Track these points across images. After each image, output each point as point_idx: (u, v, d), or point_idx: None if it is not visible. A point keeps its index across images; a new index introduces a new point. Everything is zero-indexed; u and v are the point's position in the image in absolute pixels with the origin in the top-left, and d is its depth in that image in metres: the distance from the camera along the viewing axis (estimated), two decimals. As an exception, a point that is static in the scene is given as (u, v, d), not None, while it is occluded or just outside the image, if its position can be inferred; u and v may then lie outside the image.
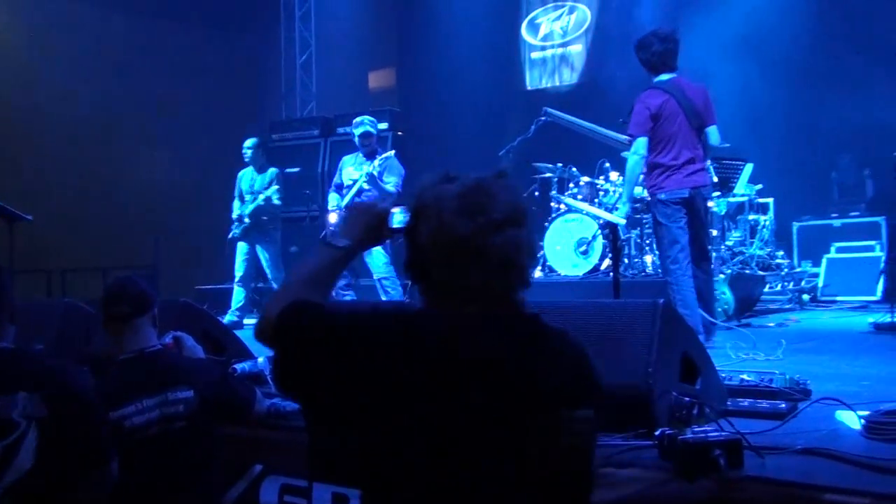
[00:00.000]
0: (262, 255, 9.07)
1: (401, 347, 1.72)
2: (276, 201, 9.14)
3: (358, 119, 8.20)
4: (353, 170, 8.01)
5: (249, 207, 9.04)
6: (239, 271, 9.12)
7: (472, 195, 1.74)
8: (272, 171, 9.32)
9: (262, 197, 8.99)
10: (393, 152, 7.97)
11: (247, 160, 9.32)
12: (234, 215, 9.16)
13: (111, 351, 3.27)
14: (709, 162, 8.95)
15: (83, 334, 4.61)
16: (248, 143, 9.34)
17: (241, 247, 9.13)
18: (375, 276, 7.74)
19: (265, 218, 9.13)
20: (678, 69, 6.20)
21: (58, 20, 11.38)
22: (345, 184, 8.03)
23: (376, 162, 7.73)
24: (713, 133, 6.25)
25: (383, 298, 7.56)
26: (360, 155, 8.05)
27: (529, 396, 1.69)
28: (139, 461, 3.04)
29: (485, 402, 1.67)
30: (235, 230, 9.11)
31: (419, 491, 1.69)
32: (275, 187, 9.09)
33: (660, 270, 8.64)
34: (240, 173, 9.42)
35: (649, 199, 6.24)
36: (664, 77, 6.13)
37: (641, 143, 5.99)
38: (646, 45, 6.14)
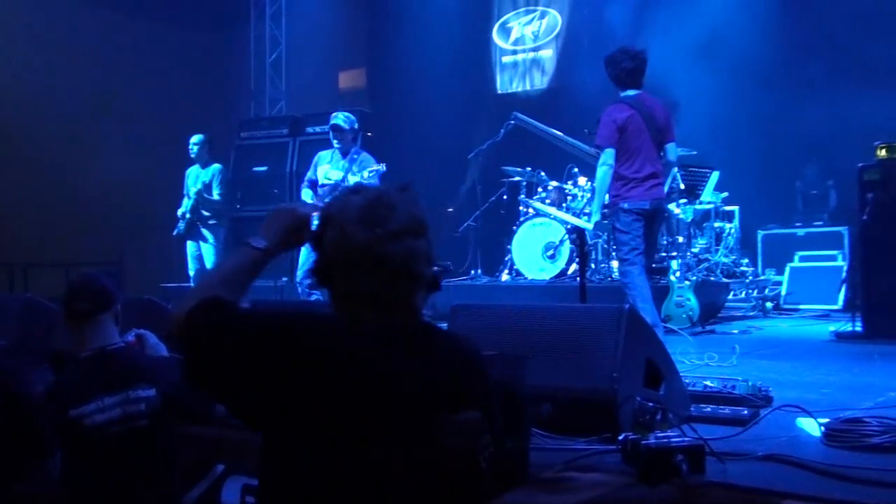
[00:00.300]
0: (204, 253, 9.02)
1: (300, 349, 1.78)
2: (215, 197, 9.07)
3: (334, 114, 8.09)
4: (329, 168, 7.87)
5: (188, 204, 8.98)
6: (191, 270, 9.10)
7: (373, 207, 1.85)
8: (214, 167, 9.24)
9: (193, 191, 8.91)
10: (380, 167, 7.73)
11: (193, 156, 9.22)
12: (179, 212, 9.09)
13: (72, 348, 3.23)
14: (676, 170, 9.07)
15: (44, 330, 4.55)
16: (194, 139, 9.24)
17: (190, 245, 9.11)
18: None
19: (207, 214, 9.05)
20: (643, 86, 6.47)
21: (24, 14, 11.23)
22: (320, 181, 7.89)
23: (366, 174, 7.58)
24: (672, 150, 6.53)
25: None
26: (337, 152, 7.91)
27: (413, 399, 1.77)
28: (100, 460, 3.00)
29: (373, 404, 1.75)
30: (179, 227, 9.04)
31: (311, 488, 1.76)
32: (215, 183, 9.08)
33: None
34: (187, 170, 9.34)
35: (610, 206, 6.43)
36: (630, 93, 6.35)
37: (610, 154, 6.19)
38: (615, 62, 6.37)
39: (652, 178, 6.27)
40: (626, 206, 6.20)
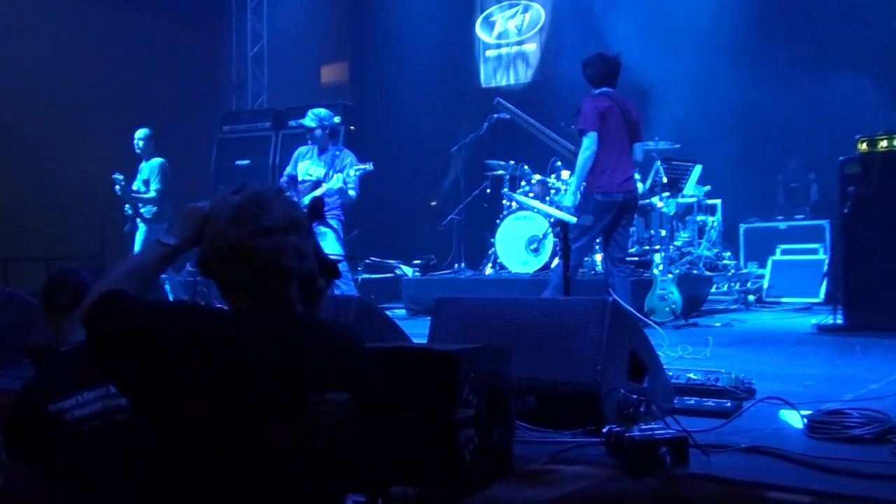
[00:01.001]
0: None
1: (182, 338, 1.94)
2: (151, 193, 9.02)
3: (308, 113, 7.98)
4: (309, 164, 7.80)
5: (130, 199, 8.92)
6: None
7: (246, 206, 2.03)
8: (154, 161, 9.18)
9: (117, 186, 8.85)
10: (366, 166, 7.64)
11: (138, 151, 9.15)
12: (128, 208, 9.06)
13: (52, 342, 3.20)
14: (658, 163, 9.11)
15: (25, 325, 4.51)
16: (139, 133, 9.18)
17: (138, 240, 9.06)
18: None
19: (154, 208, 9.04)
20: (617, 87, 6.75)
21: (2, 6, 11.12)
22: (300, 177, 7.80)
23: (352, 172, 7.48)
24: (639, 149, 6.86)
25: (335, 293, 7.47)
26: (316, 148, 7.85)
27: (281, 381, 1.93)
28: (81, 455, 2.97)
29: (243, 387, 1.91)
30: (129, 223, 9.00)
31: (194, 472, 1.92)
32: (153, 178, 9.06)
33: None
34: (140, 165, 9.30)
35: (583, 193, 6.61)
36: (606, 89, 6.64)
37: (594, 138, 6.41)
38: (591, 64, 6.74)
39: (627, 170, 6.60)
40: (599, 197, 6.51)
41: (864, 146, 6.88)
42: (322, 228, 7.57)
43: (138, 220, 8.98)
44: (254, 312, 2.02)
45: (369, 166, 7.52)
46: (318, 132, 7.75)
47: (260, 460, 1.90)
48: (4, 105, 10.84)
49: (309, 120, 7.75)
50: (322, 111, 7.93)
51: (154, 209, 9.08)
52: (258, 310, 2.02)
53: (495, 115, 9.12)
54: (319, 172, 7.65)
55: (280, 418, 1.92)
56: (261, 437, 1.90)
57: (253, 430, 1.90)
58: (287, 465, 1.92)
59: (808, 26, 10.26)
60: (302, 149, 7.98)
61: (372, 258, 10.77)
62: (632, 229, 9.23)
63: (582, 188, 6.76)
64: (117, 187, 8.85)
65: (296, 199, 7.60)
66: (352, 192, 7.56)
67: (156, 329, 1.95)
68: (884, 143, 6.79)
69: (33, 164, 11.12)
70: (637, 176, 9.60)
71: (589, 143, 6.41)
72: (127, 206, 8.98)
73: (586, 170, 6.50)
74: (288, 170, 7.95)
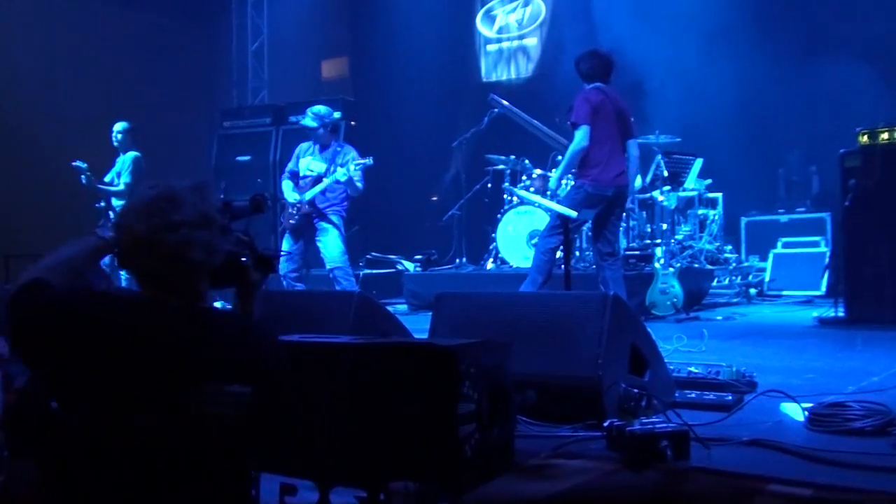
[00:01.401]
0: None
1: (87, 326, 2.03)
2: (120, 186, 8.99)
3: (310, 111, 7.84)
4: (311, 160, 7.76)
5: (97, 190, 8.89)
6: None
7: (156, 201, 2.11)
8: (129, 155, 9.15)
9: (83, 176, 8.79)
10: (366, 160, 7.63)
11: (115, 144, 9.12)
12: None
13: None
14: (659, 157, 9.11)
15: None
16: (118, 126, 9.14)
17: None
18: (328, 266, 7.63)
19: (123, 202, 8.97)
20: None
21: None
22: (302, 173, 7.77)
23: (352, 167, 7.46)
24: (633, 146, 6.85)
25: (336, 289, 7.47)
26: (317, 145, 7.81)
27: (177, 369, 1.99)
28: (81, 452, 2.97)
29: (140, 373, 1.98)
30: (103, 217, 8.94)
31: (90, 455, 2.01)
32: (125, 171, 9.06)
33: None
34: (117, 159, 9.27)
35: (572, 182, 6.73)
36: (599, 84, 6.67)
37: (586, 132, 6.43)
38: (585, 59, 6.76)
39: (619, 165, 6.62)
40: (590, 189, 6.52)
41: (864, 139, 6.87)
42: (323, 224, 7.57)
43: (111, 213, 8.91)
44: (157, 302, 2.09)
45: (369, 161, 7.50)
46: (321, 131, 7.73)
47: (151, 446, 1.97)
48: (3, 102, 10.83)
49: (309, 120, 7.71)
50: (321, 108, 7.88)
51: (123, 203, 9.03)
52: (164, 300, 2.09)
53: (495, 110, 9.11)
54: (320, 168, 7.63)
55: (173, 406, 1.97)
56: (152, 423, 1.96)
57: (139, 416, 1.97)
58: (178, 454, 1.99)
59: (809, 18, 10.24)
60: (303, 145, 7.95)
61: (373, 253, 10.77)
62: (633, 223, 9.26)
63: (574, 181, 6.77)
64: (83, 177, 8.81)
65: (299, 194, 7.60)
66: (359, 185, 7.54)
67: (61, 317, 2.05)
68: (885, 136, 6.78)
69: (33, 160, 11.10)
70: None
71: (581, 136, 6.42)
72: (101, 200, 8.93)
73: (574, 162, 6.56)
74: (290, 166, 7.92)
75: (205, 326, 2.09)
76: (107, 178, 9.12)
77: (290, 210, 7.66)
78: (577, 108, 6.50)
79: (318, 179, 7.60)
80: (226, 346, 2.07)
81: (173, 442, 1.98)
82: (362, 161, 7.48)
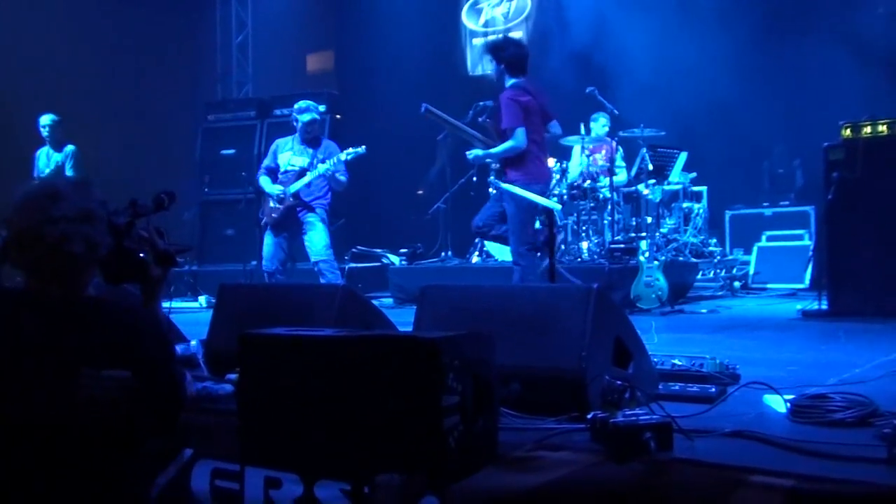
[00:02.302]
0: None
1: None
2: None
3: (303, 104, 7.84)
4: (291, 155, 7.75)
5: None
6: None
7: (39, 197, 2.24)
8: (68, 149, 9.09)
9: (47, 173, 8.75)
10: (359, 149, 7.67)
11: (45, 136, 9.04)
12: None
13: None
14: (644, 150, 9.14)
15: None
16: (46, 119, 9.05)
17: None
18: (313, 259, 7.62)
19: None
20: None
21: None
22: (282, 169, 7.75)
23: (342, 156, 7.49)
24: (555, 125, 6.95)
25: (321, 282, 7.46)
26: (298, 140, 7.80)
27: (57, 356, 2.12)
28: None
29: (21, 360, 2.12)
30: None
31: None
32: (68, 165, 9.01)
33: (595, 257, 8.77)
34: (37, 153, 9.14)
35: (503, 186, 6.62)
36: (521, 79, 6.66)
37: (524, 133, 6.45)
38: (507, 48, 6.71)
39: (546, 163, 6.87)
40: (537, 187, 6.57)
41: (847, 132, 6.91)
42: (309, 217, 7.57)
43: None
44: (36, 293, 2.23)
45: (362, 149, 7.54)
46: (317, 124, 7.77)
47: (34, 431, 2.09)
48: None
49: (314, 114, 7.71)
50: (310, 103, 7.91)
51: None
52: (44, 291, 2.23)
53: (481, 103, 9.09)
54: (303, 162, 7.63)
55: (53, 391, 2.10)
56: (34, 408, 2.10)
57: (26, 402, 2.10)
58: (62, 435, 2.11)
59: (794, 10, 10.28)
60: (280, 141, 7.93)
61: (358, 247, 10.76)
62: (618, 216, 9.29)
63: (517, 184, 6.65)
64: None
65: (282, 190, 7.56)
66: (341, 178, 7.56)
67: None
68: (867, 129, 6.82)
69: (21, 155, 11.00)
70: (622, 163, 9.67)
71: (521, 137, 6.44)
72: None
73: (504, 155, 6.57)
74: (266, 162, 7.86)
75: (82, 315, 2.23)
76: (36, 175, 8.93)
77: (272, 204, 7.63)
78: (510, 111, 6.47)
79: (301, 173, 7.60)
80: (102, 333, 2.20)
81: (60, 425, 2.11)
82: (355, 150, 7.50)
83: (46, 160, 8.95)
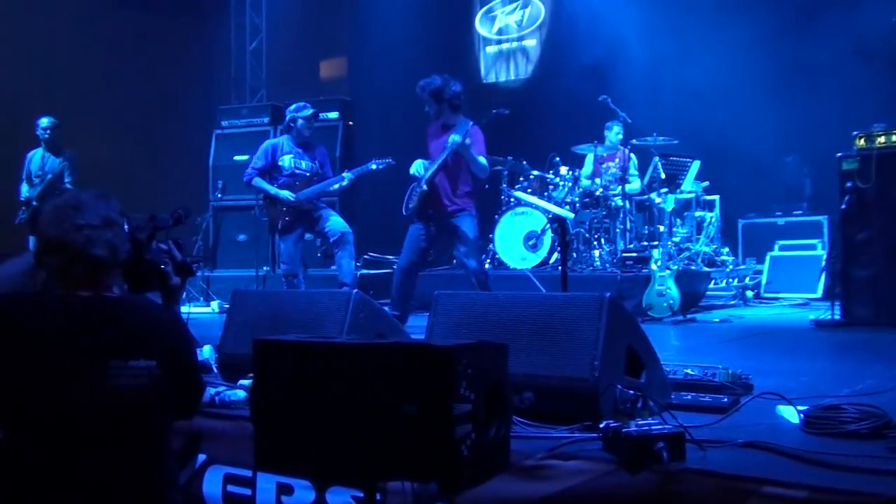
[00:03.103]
0: None
1: (14, 316, 2.38)
2: (68, 186, 8.91)
3: (301, 105, 7.87)
4: (293, 158, 7.67)
5: (38, 190, 8.75)
6: None
7: (63, 207, 2.47)
8: (67, 153, 9.07)
9: (38, 176, 8.73)
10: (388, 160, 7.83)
11: (45, 138, 8.99)
12: (23, 197, 8.81)
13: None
14: (657, 158, 9.14)
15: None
16: (46, 122, 9.00)
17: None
18: (343, 230, 7.57)
19: None
20: None
21: None
22: (287, 171, 7.66)
23: (373, 167, 7.73)
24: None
25: (346, 251, 7.53)
26: (291, 141, 7.73)
27: (87, 350, 2.34)
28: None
29: (55, 355, 2.32)
30: (22, 215, 8.77)
31: (23, 429, 2.32)
32: (67, 171, 9.01)
33: (607, 265, 8.76)
34: (29, 154, 9.08)
35: (462, 210, 6.82)
36: (461, 116, 6.94)
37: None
38: (446, 87, 6.96)
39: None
40: (474, 213, 6.86)
41: (861, 142, 6.89)
42: (322, 212, 7.66)
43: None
44: (65, 295, 2.43)
45: (391, 160, 7.64)
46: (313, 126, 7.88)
47: (69, 420, 2.30)
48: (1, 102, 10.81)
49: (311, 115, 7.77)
50: (307, 104, 7.96)
51: None
52: (73, 293, 2.43)
53: (493, 111, 9.10)
54: (306, 164, 7.71)
55: (85, 383, 2.31)
56: (68, 399, 2.30)
57: (60, 394, 2.30)
58: (95, 422, 2.32)
59: (806, 20, 10.25)
60: (277, 142, 7.90)
61: (370, 253, 10.77)
62: (630, 224, 9.28)
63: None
64: (30, 188, 8.67)
65: (292, 193, 7.55)
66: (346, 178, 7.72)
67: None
68: (881, 139, 6.80)
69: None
70: (635, 172, 9.65)
71: (487, 166, 6.85)
72: (32, 197, 8.74)
73: (481, 170, 6.85)
74: (260, 163, 7.74)
75: (108, 312, 2.43)
76: (35, 179, 8.90)
77: (282, 208, 7.62)
78: (482, 145, 6.91)
79: (312, 178, 7.65)
80: (127, 327, 2.42)
81: (93, 413, 2.31)
82: (386, 161, 7.57)
83: (41, 163, 8.91)
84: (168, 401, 2.48)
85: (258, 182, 7.69)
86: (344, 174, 7.74)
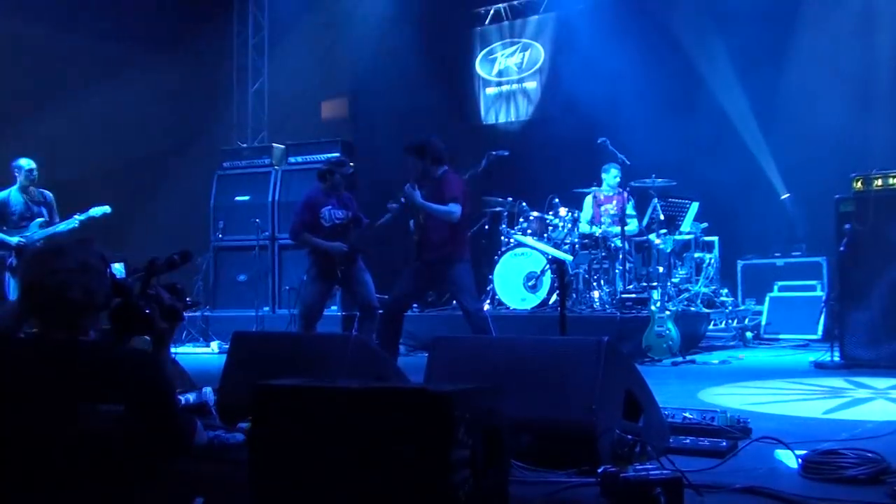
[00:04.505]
0: None
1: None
2: (64, 227, 8.53)
3: (337, 157, 7.91)
4: (329, 209, 7.62)
5: (28, 235, 8.31)
6: None
7: (44, 252, 2.67)
8: (50, 194, 8.89)
9: (79, 217, 8.51)
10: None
11: (32, 181, 8.70)
12: (15, 244, 8.24)
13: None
14: (655, 200, 9.18)
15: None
16: (32, 164, 8.76)
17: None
18: (372, 300, 7.58)
19: None
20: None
21: (4, 42, 11.18)
22: (328, 223, 7.60)
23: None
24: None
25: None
26: (325, 191, 7.62)
27: (57, 393, 2.38)
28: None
29: (20, 398, 2.38)
30: (13, 261, 8.19)
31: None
32: (55, 212, 8.76)
33: (606, 306, 8.78)
34: (3, 195, 8.68)
35: (449, 256, 6.73)
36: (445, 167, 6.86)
37: (459, 209, 6.65)
38: (432, 144, 6.90)
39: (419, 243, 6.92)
40: (465, 257, 6.81)
41: (858, 184, 6.94)
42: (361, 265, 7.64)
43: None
44: (41, 337, 2.52)
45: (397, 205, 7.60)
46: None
47: (37, 458, 2.34)
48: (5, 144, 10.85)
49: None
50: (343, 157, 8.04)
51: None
52: (48, 334, 2.50)
53: (493, 153, 9.16)
54: (344, 214, 7.64)
55: (53, 425, 2.35)
56: (35, 441, 2.34)
57: (28, 436, 2.34)
58: (62, 465, 2.35)
59: (803, 61, 10.35)
60: (311, 194, 7.80)
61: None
62: (629, 265, 9.31)
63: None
64: (18, 236, 8.36)
65: (344, 245, 7.52)
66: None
67: None
68: (878, 182, 6.85)
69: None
70: (633, 213, 9.70)
71: (457, 210, 6.60)
72: (25, 244, 8.22)
73: (442, 215, 6.63)
74: (304, 217, 7.65)
75: (80, 355, 2.48)
76: (18, 221, 8.54)
77: (334, 259, 7.56)
78: (460, 191, 6.72)
79: (347, 225, 7.60)
80: (107, 374, 2.45)
81: (60, 455, 2.35)
82: (395, 204, 7.55)
83: (25, 206, 8.73)
84: (142, 445, 2.49)
85: (307, 237, 7.62)
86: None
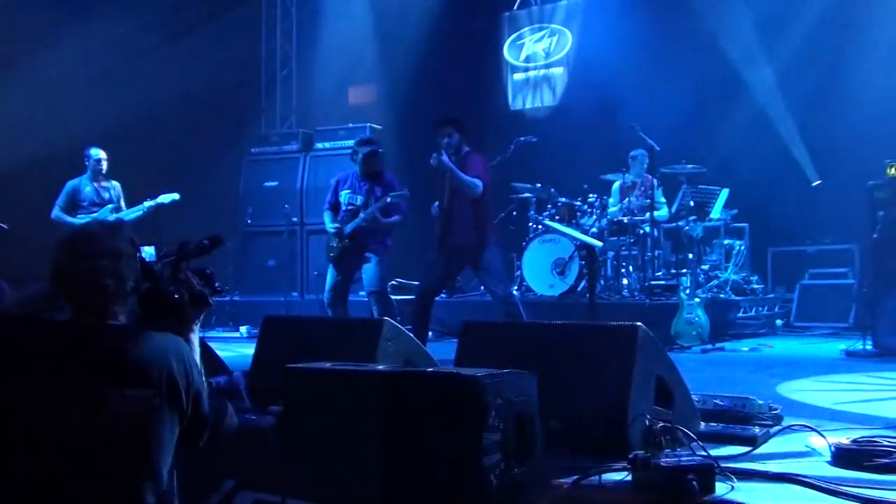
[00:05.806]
0: None
1: (16, 339, 2.49)
2: (132, 214, 8.93)
3: (365, 137, 7.81)
4: (348, 192, 7.53)
5: (113, 218, 8.49)
6: None
7: (74, 238, 2.57)
8: (117, 183, 9.14)
9: (98, 208, 8.79)
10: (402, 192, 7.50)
11: (103, 171, 9.01)
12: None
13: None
14: (685, 186, 9.12)
15: None
16: (103, 153, 9.02)
17: None
18: (367, 290, 7.52)
19: None
20: None
21: (33, 32, 11.26)
22: (343, 206, 7.55)
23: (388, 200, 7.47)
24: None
25: (373, 313, 7.39)
26: (356, 175, 7.55)
27: (87, 377, 2.38)
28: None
29: (52, 380, 2.38)
30: None
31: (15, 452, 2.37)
32: (123, 200, 9.09)
33: (635, 293, 8.75)
34: (77, 182, 9.02)
35: (479, 240, 6.69)
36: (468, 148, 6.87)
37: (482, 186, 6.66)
38: (459, 119, 7.00)
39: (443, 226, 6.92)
40: (493, 241, 6.79)
41: (893, 171, 6.86)
42: (367, 254, 7.49)
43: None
44: (73, 322, 2.52)
45: (405, 192, 7.43)
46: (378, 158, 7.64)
47: (64, 442, 2.34)
48: (36, 136, 10.91)
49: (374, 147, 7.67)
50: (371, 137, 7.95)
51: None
52: (78, 319, 2.52)
53: (521, 138, 9.14)
54: (358, 200, 7.49)
55: (83, 409, 2.35)
56: (66, 425, 2.34)
57: (59, 419, 2.34)
58: (91, 447, 2.35)
59: (834, 50, 10.22)
60: (341, 176, 7.77)
61: (398, 280, 10.80)
62: (658, 252, 9.26)
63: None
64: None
65: (336, 226, 7.48)
66: (387, 220, 7.44)
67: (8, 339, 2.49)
68: (913, 168, 6.77)
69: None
70: (663, 199, 9.64)
71: (481, 185, 6.61)
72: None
73: (467, 185, 6.62)
74: (328, 197, 7.71)
75: (111, 339, 2.48)
76: (91, 208, 8.93)
77: (331, 243, 7.55)
78: (483, 169, 6.76)
79: (356, 212, 7.44)
80: (136, 357, 2.44)
81: (91, 439, 2.35)
82: (398, 193, 7.38)
83: (95, 193, 9.00)
84: (171, 430, 2.50)
85: (325, 216, 7.65)
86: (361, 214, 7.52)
